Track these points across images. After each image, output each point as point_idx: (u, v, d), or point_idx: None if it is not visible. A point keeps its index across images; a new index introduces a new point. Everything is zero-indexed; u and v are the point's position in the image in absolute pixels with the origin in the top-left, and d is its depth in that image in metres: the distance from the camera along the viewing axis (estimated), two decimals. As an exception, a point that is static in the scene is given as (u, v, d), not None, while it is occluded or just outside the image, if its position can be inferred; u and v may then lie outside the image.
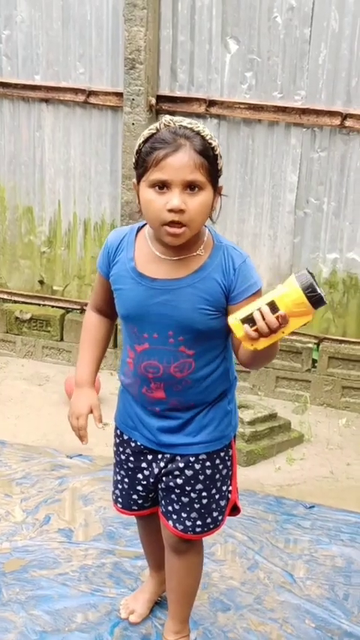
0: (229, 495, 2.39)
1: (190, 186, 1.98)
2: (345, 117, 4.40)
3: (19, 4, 4.86)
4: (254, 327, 1.91)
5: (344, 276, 4.67)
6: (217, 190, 2.08)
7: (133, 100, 4.60)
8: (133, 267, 2.14)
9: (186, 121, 2.02)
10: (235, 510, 2.45)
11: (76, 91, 4.87)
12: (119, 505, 2.50)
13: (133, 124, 4.63)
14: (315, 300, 1.89)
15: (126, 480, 2.41)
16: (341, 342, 4.72)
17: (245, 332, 1.93)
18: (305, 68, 4.43)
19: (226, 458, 2.33)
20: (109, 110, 4.86)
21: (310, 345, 4.75)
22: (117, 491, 2.49)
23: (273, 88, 4.52)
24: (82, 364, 2.39)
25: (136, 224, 2.23)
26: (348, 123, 4.41)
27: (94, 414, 2.35)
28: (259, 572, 3.04)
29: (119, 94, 4.73)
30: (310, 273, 1.91)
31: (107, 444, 3.65)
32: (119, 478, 2.45)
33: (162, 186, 1.98)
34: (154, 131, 2.02)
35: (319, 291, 1.89)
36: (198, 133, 1.99)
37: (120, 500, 2.48)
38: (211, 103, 4.61)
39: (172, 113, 4.69)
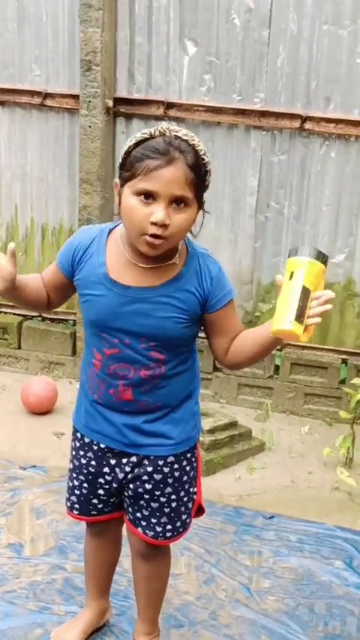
0: (195, 497, 2.35)
1: (177, 202, 1.92)
2: (305, 119, 4.35)
3: (-27, 5, 4.76)
4: (306, 319, 1.83)
5: (306, 281, 4.59)
6: (201, 206, 2.02)
7: (89, 102, 4.50)
8: (105, 273, 2.07)
9: (182, 132, 1.95)
10: (199, 511, 2.42)
11: (32, 93, 4.77)
12: (76, 512, 2.38)
13: (90, 126, 4.53)
14: (326, 260, 1.88)
15: (85, 485, 2.31)
16: (304, 347, 4.65)
17: (305, 327, 1.84)
18: (264, 70, 4.37)
19: (192, 459, 2.30)
20: (66, 113, 4.76)
21: (273, 351, 4.67)
22: (73, 498, 2.37)
23: (232, 91, 4.45)
24: None
25: (105, 225, 2.17)
26: (307, 125, 4.35)
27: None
28: (215, 586, 2.95)
29: (76, 97, 4.63)
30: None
31: (64, 454, 3.57)
32: (77, 484, 2.34)
33: (148, 196, 1.91)
34: (147, 136, 1.95)
35: (324, 252, 1.89)
36: (193, 148, 1.93)
37: (77, 506, 2.37)
38: (169, 106, 4.53)
39: (130, 116, 4.62)
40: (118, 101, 4.61)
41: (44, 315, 5.09)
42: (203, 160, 1.95)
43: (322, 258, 1.87)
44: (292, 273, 1.84)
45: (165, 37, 4.48)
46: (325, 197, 4.48)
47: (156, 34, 4.49)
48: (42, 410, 4.45)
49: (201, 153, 1.95)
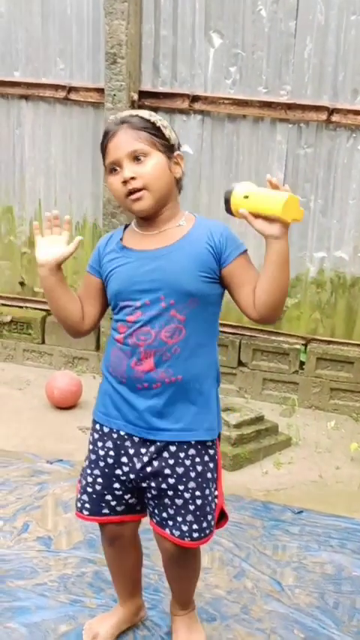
0: (217, 500, 2.33)
1: (136, 158, 2.11)
2: (332, 112, 4.31)
3: (-2, -1, 4.75)
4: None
5: (332, 275, 4.56)
6: (172, 158, 2.18)
7: (114, 95, 4.48)
8: (122, 246, 2.22)
9: (133, 111, 2.19)
10: (223, 518, 2.40)
11: (56, 87, 4.76)
12: (86, 512, 2.35)
13: (114, 120, 4.51)
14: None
15: (100, 480, 2.29)
16: (329, 342, 4.62)
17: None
18: (291, 62, 4.34)
19: (215, 457, 2.29)
20: (91, 106, 4.75)
21: (298, 347, 4.64)
22: (84, 497, 2.35)
23: (258, 83, 4.42)
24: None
25: (123, 225, 2.33)
26: (334, 118, 4.32)
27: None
28: (245, 580, 2.92)
29: (100, 90, 4.62)
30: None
31: (89, 448, 3.56)
32: (90, 480, 2.32)
33: (114, 168, 2.14)
34: (105, 128, 2.21)
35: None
36: (135, 115, 2.16)
37: (88, 505, 2.34)
38: (195, 99, 4.51)
39: (155, 109, 4.59)
40: (143, 94, 4.59)
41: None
42: (149, 119, 2.15)
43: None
44: (246, 196, 2.08)
45: (190, 29, 4.46)
46: (352, 190, 4.44)
47: (181, 26, 4.47)
48: (67, 404, 4.44)
49: (146, 116, 2.15)
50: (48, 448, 3.94)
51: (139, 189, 2.11)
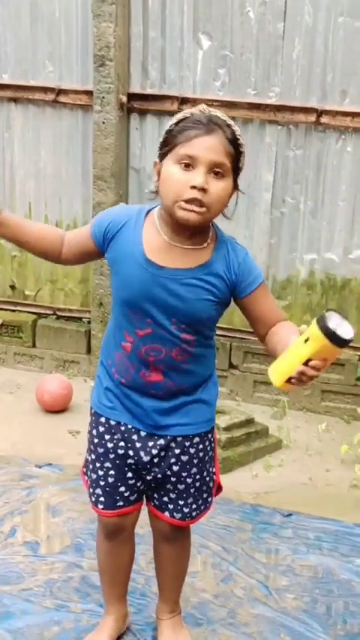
0: (214, 476, 2.41)
1: (215, 171, 1.98)
2: (320, 113, 4.30)
3: (-14, 2, 4.74)
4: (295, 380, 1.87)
5: (322, 277, 4.55)
6: (236, 185, 2.08)
7: (103, 98, 4.47)
8: (142, 252, 2.09)
9: (219, 113, 2.04)
10: (218, 489, 2.47)
11: (45, 89, 4.75)
12: (101, 506, 2.34)
13: (103, 122, 4.50)
14: (346, 344, 1.80)
15: (112, 472, 2.28)
16: (320, 344, 4.60)
17: (290, 386, 1.89)
18: (279, 64, 4.33)
19: (212, 439, 2.35)
20: (80, 109, 4.74)
21: (289, 348, 4.62)
22: (99, 490, 2.33)
23: (247, 85, 4.41)
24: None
25: (143, 205, 2.20)
26: (323, 120, 4.31)
27: None
28: (233, 584, 2.91)
29: (89, 93, 4.60)
30: (335, 311, 1.82)
31: (79, 452, 3.54)
32: (102, 473, 2.30)
33: (188, 164, 1.97)
34: (188, 115, 2.03)
35: (340, 334, 1.78)
36: (229, 126, 2.02)
37: (102, 499, 2.32)
38: (184, 101, 4.50)
39: (144, 111, 4.59)
40: (132, 97, 4.58)
41: (58, 313, 5.07)
42: (239, 138, 2.03)
43: (344, 343, 1.80)
44: (307, 339, 1.81)
45: (179, 32, 4.45)
46: (342, 192, 4.43)
47: (170, 28, 4.46)
48: (57, 408, 4.42)
49: (237, 133, 2.03)
50: (38, 452, 3.93)
51: (202, 204, 1.97)
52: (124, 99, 4.52)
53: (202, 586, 2.88)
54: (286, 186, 4.50)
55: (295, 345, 1.86)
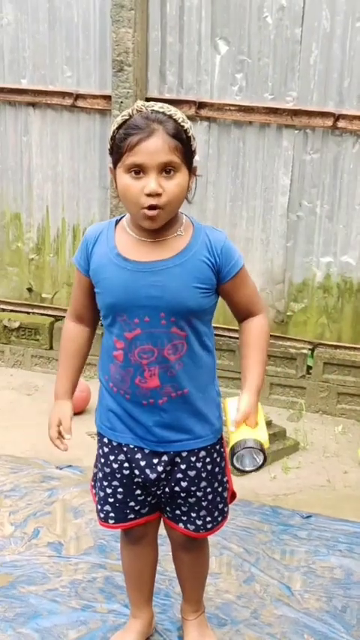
0: (227, 485, 2.39)
1: (166, 170, 2.00)
2: (337, 118, 4.33)
3: (5, 7, 4.78)
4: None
5: (338, 280, 4.58)
6: (192, 171, 2.10)
7: (121, 102, 4.51)
8: (117, 253, 2.13)
9: (157, 105, 2.03)
10: (232, 496, 2.46)
11: (63, 94, 4.79)
12: (111, 521, 2.36)
13: (121, 127, 4.53)
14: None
15: (120, 489, 2.30)
16: (336, 347, 4.63)
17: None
18: (296, 69, 4.36)
19: (221, 450, 2.32)
20: (97, 114, 4.78)
21: (305, 351, 4.66)
22: (107, 507, 2.34)
23: (264, 90, 4.45)
24: (61, 377, 2.39)
25: (112, 219, 2.23)
26: (340, 124, 4.33)
27: (63, 425, 2.34)
28: (255, 585, 2.94)
29: (107, 97, 4.64)
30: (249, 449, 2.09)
31: (98, 454, 3.58)
32: (110, 491, 2.31)
33: (138, 170, 1.99)
34: (127, 117, 2.03)
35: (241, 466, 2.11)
36: (170, 117, 2.01)
37: (112, 514, 2.34)
38: (201, 105, 4.53)
39: (162, 116, 4.61)
40: (150, 101, 4.60)
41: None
42: (183, 126, 2.03)
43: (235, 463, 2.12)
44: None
45: (196, 37, 4.48)
46: (358, 195, 4.45)
47: (187, 33, 4.49)
48: (76, 410, 4.36)
49: (179, 120, 2.02)
50: (57, 454, 3.93)
51: (157, 207, 2.00)
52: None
53: (225, 587, 2.91)
54: (303, 190, 4.53)
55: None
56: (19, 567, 2.96)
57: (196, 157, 2.11)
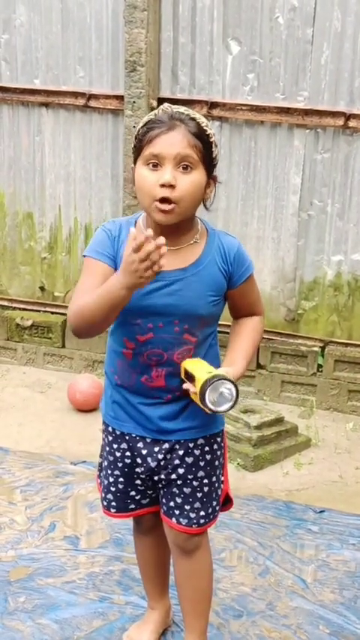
0: (222, 485, 2.38)
1: (183, 165, 2.00)
2: (348, 117, 4.36)
3: (18, 8, 4.83)
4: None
5: (349, 278, 4.61)
6: (211, 177, 2.10)
7: (134, 102, 4.55)
8: None
9: (183, 108, 2.06)
10: (227, 502, 2.44)
11: (76, 94, 4.83)
12: (113, 510, 2.40)
13: (134, 127, 4.57)
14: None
15: (121, 479, 2.34)
16: (347, 345, 4.66)
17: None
18: (308, 69, 4.39)
19: (222, 443, 2.33)
20: (110, 114, 4.81)
21: (316, 349, 4.69)
22: (109, 496, 2.39)
23: (275, 90, 4.48)
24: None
25: (130, 217, 2.23)
26: (351, 123, 4.37)
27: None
28: (270, 577, 2.98)
29: (120, 97, 4.68)
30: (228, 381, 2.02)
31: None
32: (112, 480, 2.36)
33: (155, 163, 2.00)
34: (152, 116, 2.06)
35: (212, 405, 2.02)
36: (193, 119, 2.03)
37: (114, 503, 2.39)
38: (213, 105, 4.57)
39: (174, 116, 4.64)
40: (162, 101, 4.61)
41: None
42: (205, 130, 2.04)
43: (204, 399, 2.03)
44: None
45: (208, 37, 4.52)
46: (369, 194, 4.49)
47: (199, 34, 4.53)
48: (88, 407, 4.50)
49: (203, 124, 2.04)
50: (71, 450, 4.01)
51: (171, 202, 1.99)
52: (155, 104, 4.59)
53: (241, 579, 2.95)
54: (314, 189, 4.56)
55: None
56: (36, 560, 3.00)
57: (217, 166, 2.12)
